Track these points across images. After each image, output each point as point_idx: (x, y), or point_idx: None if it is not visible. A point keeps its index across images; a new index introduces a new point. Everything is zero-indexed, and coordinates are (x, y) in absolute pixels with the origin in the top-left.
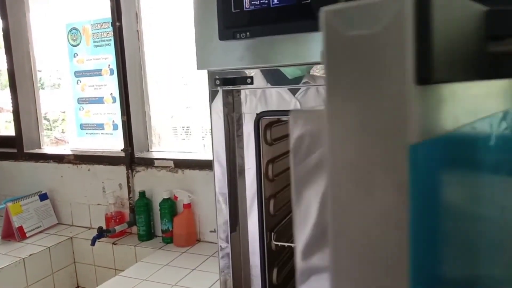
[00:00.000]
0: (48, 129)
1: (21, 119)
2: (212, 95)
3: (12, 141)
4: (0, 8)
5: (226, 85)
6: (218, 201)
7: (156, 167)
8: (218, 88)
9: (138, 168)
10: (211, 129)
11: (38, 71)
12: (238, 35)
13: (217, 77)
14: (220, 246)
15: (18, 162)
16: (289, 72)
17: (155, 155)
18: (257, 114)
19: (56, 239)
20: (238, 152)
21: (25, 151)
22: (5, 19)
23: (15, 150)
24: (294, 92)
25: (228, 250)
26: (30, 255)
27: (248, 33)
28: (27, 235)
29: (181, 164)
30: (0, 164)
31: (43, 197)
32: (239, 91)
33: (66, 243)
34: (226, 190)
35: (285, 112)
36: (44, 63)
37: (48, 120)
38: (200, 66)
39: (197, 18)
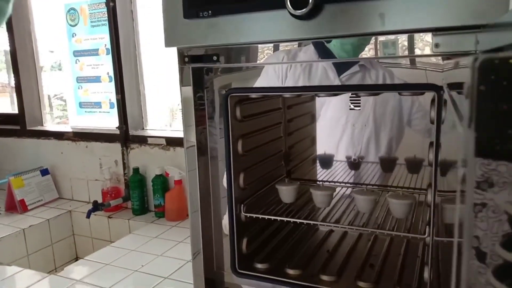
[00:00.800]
0: (64, 109)
1: (23, 97)
2: (181, 73)
3: (15, 118)
4: None
5: (194, 62)
6: (189, 174)
7: (149, 144)
8: (187, 65)
9: (132, 145)
10: (182, 107)
11: (51, 51)
12: (201, 13)
13: (185, 54)
14: (191, 216)
15: (21, 139)
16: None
17: (149, 133)
18: (225, 91)
19: (55, 212)
20: (211, 127)
21: (27, 128)
22: None
23: (18, 127)
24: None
25: (199, 220)
26: (30, 226)
27: (210, 12)
28: (29, 207)
29: (172, 142)
30: (4, 141)
31: (44, 172)
32: (211, 68)
33: (65, 216)
34: (196, 165)
35: (254, 90)
36: (56, 44)
37: (64, 101)
38: (167, 44)
39: None
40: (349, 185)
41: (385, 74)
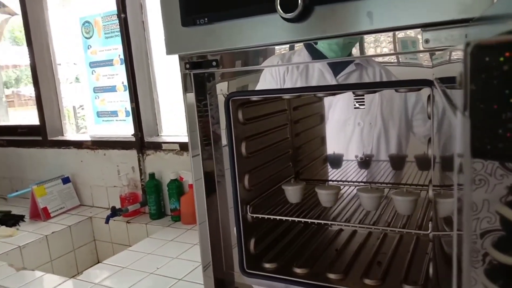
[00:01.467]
0: None
1: (44, 109)
2: (183, 80)
3: (37, 129)
4: (21, 6)
5: (195, 68)
6: (195, 175)
7: (164, 150)
8: (188, 72)
9: (148, 151)
10: (185, 113)
11: (74, 64)
12: (197, 21)
13: (186, 61)
14: (200, 228)
15: (43, 149)
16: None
17: (163, 139)
18: (227, 94)
19: (77, 219)
20: (215, 133)
21: (48, 138)
22: (25, 16)
23: (40, 138)
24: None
25: (206, 221)
26: (53, 232)
27: (206, 19)
28: (52, 215)
29: (185, 147)
30: (27, 151)
31: (66, 180)
32: (212, 74)
33: (85, 222)
34: (200, 165)
35: (254, 92)
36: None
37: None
38: (168, 52)
39: (164, 5)
40: (355, 183)
41: (381, 72)
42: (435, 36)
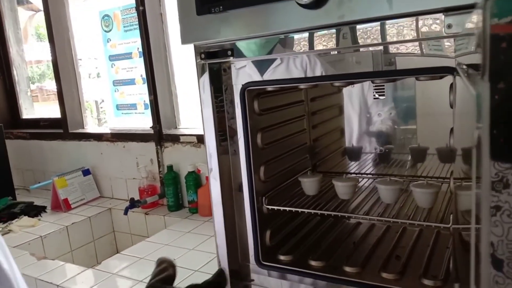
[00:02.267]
0: None
1: (65, 102)
2: (199, 69)
3: (58, 122)
4: (43, 2)
5: (210, 58)
6: (211, 169)
7: (182, 142)
8: (203, 61)
9: (166, 144)
10: (201, 104)
11: (95, 58)
12: (213, 9)
13: (202, 51)
14: (214, 209)
15: (64, 142)
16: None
17: (181, 131)
18: (242, 85)
19: (96, 210)
20: (229, 122)
21: (69, 131)
22: (47, 12)
23: (61, 131)
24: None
25: (221, 215)
26: (73, 223)
27: (221, 7)
28: (72, 206)
29: (203, 140)
30: (49, 144)
31: (86, 172)
32: (229, 65)
33: (105, 213)
34: (216, 159)
35: (270, 82)
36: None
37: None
38: (183, 41)
39: None
40: (374, 176)
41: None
42: (458, 21)
